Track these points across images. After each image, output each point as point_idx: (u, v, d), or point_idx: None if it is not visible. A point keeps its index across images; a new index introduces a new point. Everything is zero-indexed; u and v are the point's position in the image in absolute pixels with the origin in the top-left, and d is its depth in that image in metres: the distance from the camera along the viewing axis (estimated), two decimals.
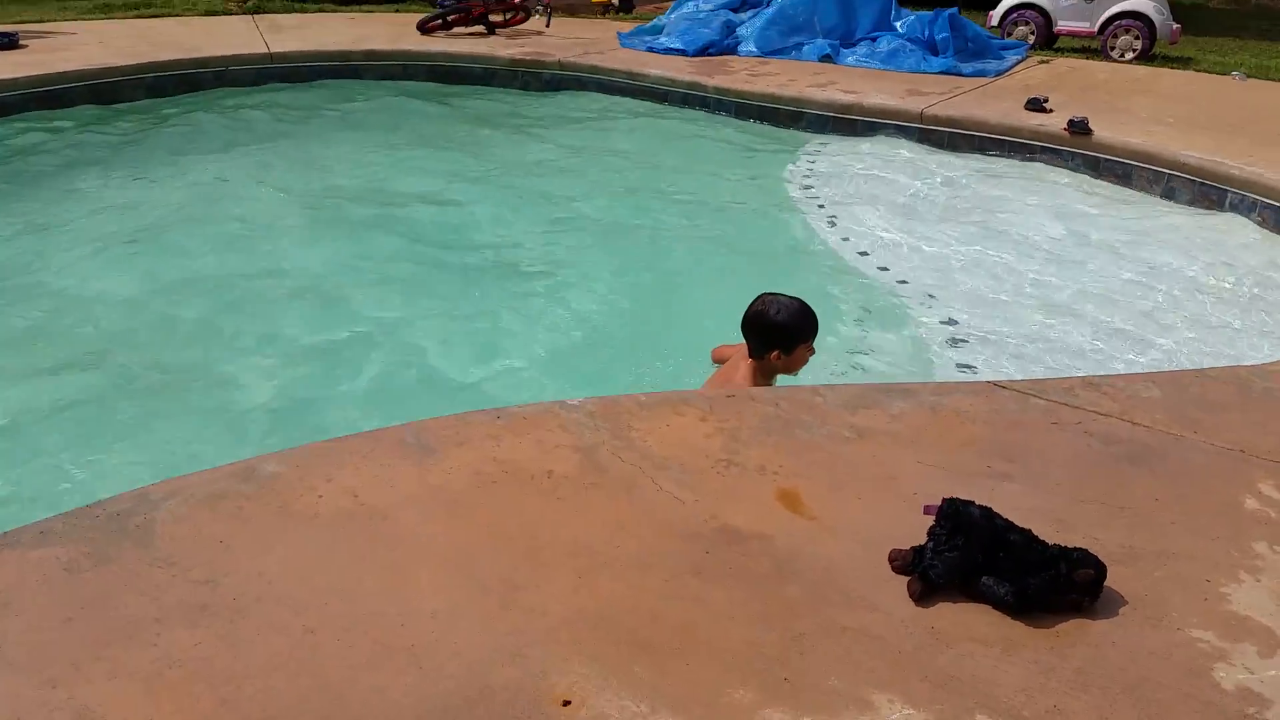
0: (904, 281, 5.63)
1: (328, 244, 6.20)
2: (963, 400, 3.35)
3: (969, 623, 2.33)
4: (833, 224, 6.59)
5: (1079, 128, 7.48)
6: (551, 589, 2.37)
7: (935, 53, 10.13)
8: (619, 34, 11.18)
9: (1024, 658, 2.22)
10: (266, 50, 10.07)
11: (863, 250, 6.11)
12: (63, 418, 4.25)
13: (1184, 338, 4.96)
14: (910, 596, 2.39)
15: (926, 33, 10.34)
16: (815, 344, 3.73)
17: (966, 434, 3.21)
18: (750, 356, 3.74)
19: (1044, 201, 6.88)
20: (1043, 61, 10.44)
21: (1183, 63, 10.73)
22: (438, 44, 10.72)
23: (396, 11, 12.61)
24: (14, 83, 8.69)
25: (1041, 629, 2.31)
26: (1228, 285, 5.61)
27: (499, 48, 10.60)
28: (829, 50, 10.30)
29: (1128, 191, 7.17)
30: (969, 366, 4.61)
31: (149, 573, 2.35)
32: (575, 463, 2.90)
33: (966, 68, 9.82)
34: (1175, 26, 10.86)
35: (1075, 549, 2.41)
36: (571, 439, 3.03)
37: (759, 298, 3.74)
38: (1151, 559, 2.58)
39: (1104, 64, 10.50)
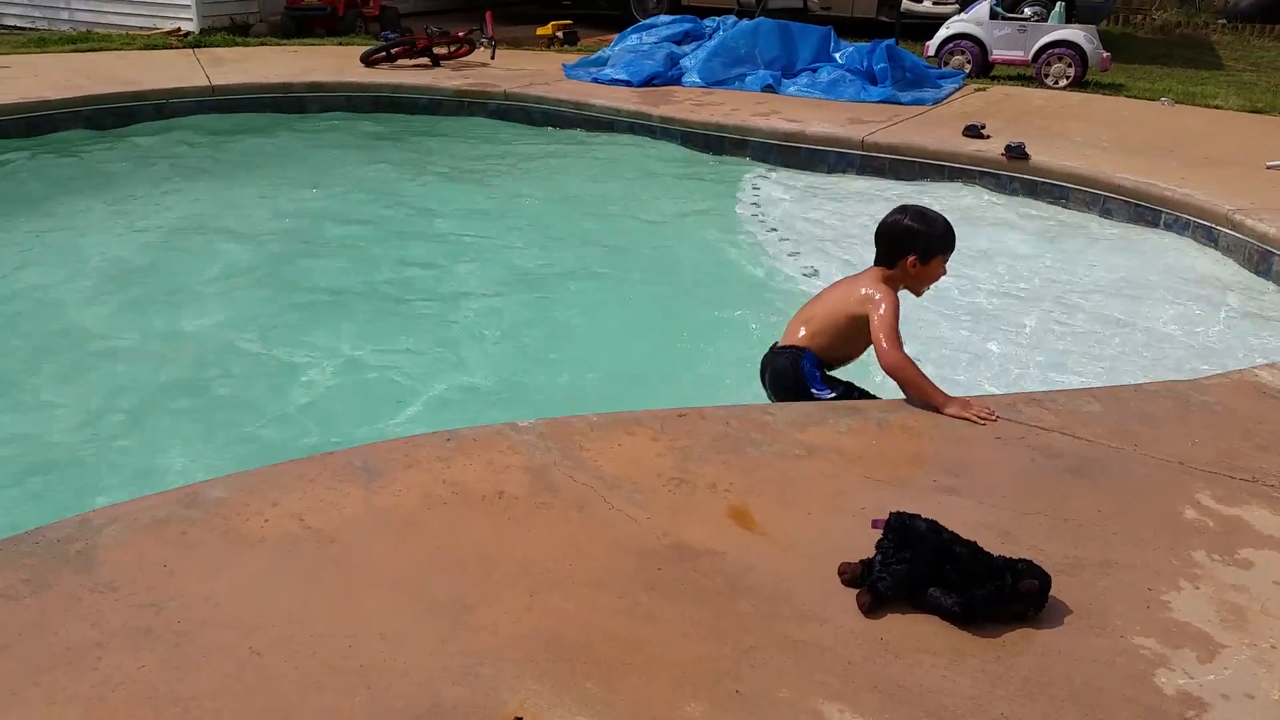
0: None
1: (269, 270, 6.14)
2: (909, 417, 3.40)
3: (917, 633, 2.35)
4: (778, 246, 6.65)
5: (1016, 152, 7.62)
6: (503, 608, 2.36)
7: (874, 82, 10.28)
8: (564, 65, 11.22)
9: (971, 667, 2.25)
10: (208, 83, 9.97)
11: (807, 271, 6.17)
12: None
13: (1123, 353, 5.05)
14: (860, 609, 2.42)
15: (865, 63, 10.50)
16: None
17: (913, 449, 3.26)
18: (877, 265, 3.70)
19: (984, 225, 6.99)
20: (979, 89, 10.64)
21: (1114, 89, 11.00)
22: (382, 75, 10.68)
23: (340, 45, 12.57)
24: None
25: (988, 639, 2.34)
26: (1164, 302, 5.73)
27: (444, 79, 10.60)
28: (771, 81, 10.42)
29: (1065, 213, 7.31)
30: None
31: (90, 598, 2.30)
32: (526, 483, 2.90)
33: (905, 96, 9.98)
34: (1105, 55, 11.14)
35: (1020, 560, 2.45)
36: (522, 460, 3.02)
37: (902, 205, 3.70)
38: (1094, 569, 2.62)
39: (1039, 91, 10.72)
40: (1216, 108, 10.09)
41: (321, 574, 2.45)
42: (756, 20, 11.53)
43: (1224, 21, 18.44)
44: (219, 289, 5.86)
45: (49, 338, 5.20)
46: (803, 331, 3.74)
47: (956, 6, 13.58)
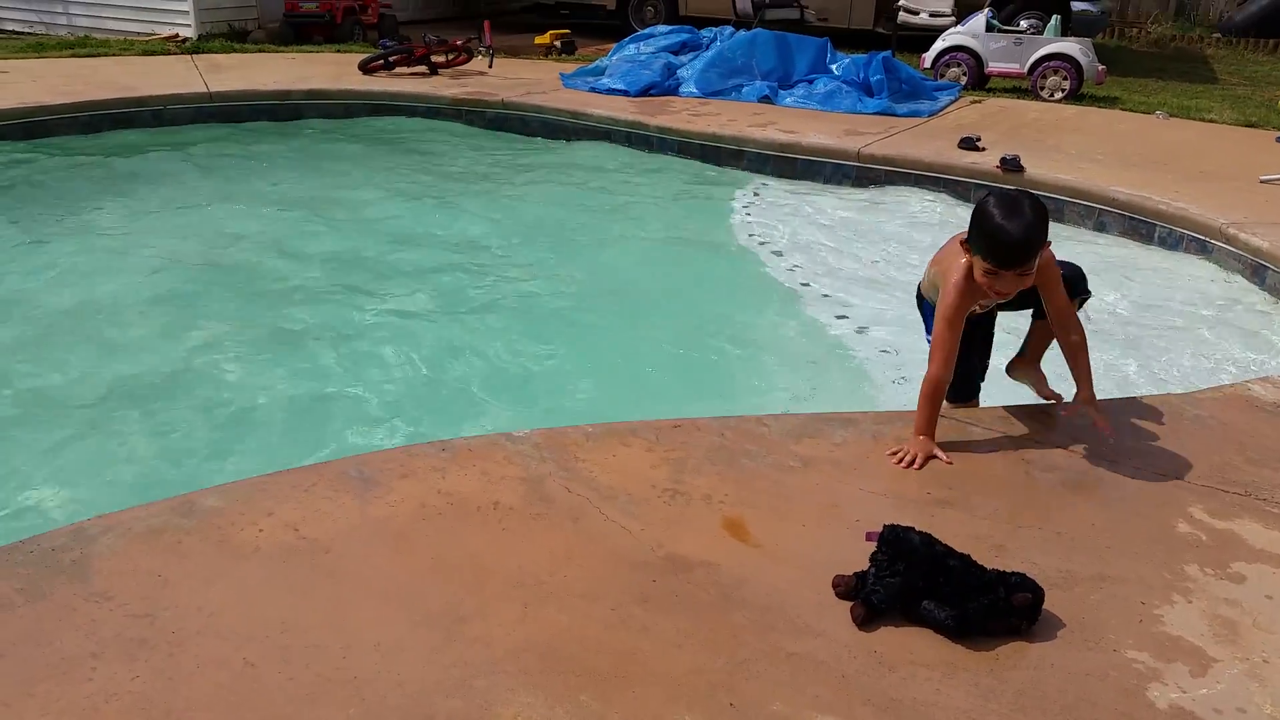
0: (843, 316, 5.70)
1: (266, 277, 6.14)
2: (904, 429, 3.40)
3: (911, 646, 2.36)
4: (773, 256, 6.67)
5: (1011, 165, 7.64)
6: (497, 620, 2.36)
7: (870, 94, 10.31)
8: (561, 75, 11.25)
9: (965, 680, 2.25)
10: (206, 90, 9.98)
11: (804, 281, 6.19)
12: None
13: (1116, 367, 5.06)
14: (853, 621, 2.42)
15: (862, 75, 10.54)
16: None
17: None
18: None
19: None
20: (975, 102, 10.68)
21: (1109, 102, 11.03)
22: (380, 83, 10.70)
23: (338, 52, 12.58)
24: None
25: (982, 652, 2.35)
26: (1158, 316, 5.74)
27: (442, 87, 10.61)
28: (768, 91, 10.45)
29: (1060, 226, 7.32)
30: (908, 392, 4.66)
31: (85, 607, 2.30)
32: (521, 494, 2.90)
33: (901, 108, 10.02)
34: (1101, 68, 11.19)
35: (1013, 573, 2.46)
36: (518, 470, 3.03)
37: (1018, 191, 3.30)
38: (1088, 583, 2.63)
39: (1034, 103, 10.76)
40: (1211, 121, 10.14)
41: (316, 584, 2.45)
42: (754, 31, 11.57)
43: (1219, 35, 18.51)
44: (216, 295, 5.85)
45: (37, 345, 5.18)
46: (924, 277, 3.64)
47: (953, 19, 13.66)
